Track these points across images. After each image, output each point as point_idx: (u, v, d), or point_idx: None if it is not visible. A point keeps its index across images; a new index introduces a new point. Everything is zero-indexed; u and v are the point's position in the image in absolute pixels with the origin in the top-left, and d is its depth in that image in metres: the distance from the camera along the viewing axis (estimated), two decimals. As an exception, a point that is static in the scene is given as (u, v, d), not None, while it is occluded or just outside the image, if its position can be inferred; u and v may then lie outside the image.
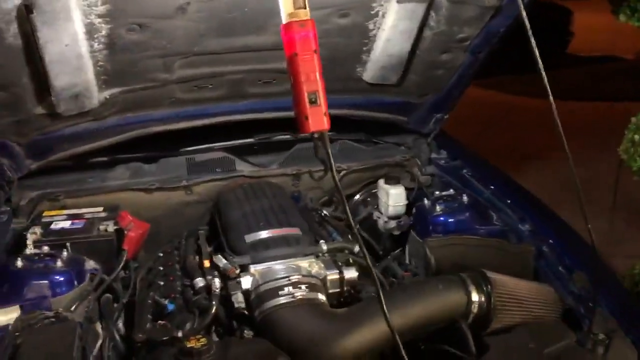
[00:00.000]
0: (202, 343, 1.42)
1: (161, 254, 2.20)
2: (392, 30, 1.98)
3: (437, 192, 2.25)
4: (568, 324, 1.66)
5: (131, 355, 1.77)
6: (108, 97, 2.01)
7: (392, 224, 2.35)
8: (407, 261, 2.16)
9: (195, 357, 1.40)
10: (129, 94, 2.05)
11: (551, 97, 1.33)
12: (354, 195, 2.56)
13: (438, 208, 2.12)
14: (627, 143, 2.65)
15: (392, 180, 2.37)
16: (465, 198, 2.15)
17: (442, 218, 2.11)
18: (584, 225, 1.41)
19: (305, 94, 1.15)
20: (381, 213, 2.42)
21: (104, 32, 1.71)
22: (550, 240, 1.95)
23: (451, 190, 2.25)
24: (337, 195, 1.26)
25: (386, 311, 1.23)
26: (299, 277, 1.66)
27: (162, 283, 1.96)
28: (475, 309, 1.62)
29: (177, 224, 2.30)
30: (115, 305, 1.92)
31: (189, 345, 1.42)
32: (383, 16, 1.93)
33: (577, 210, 1.93)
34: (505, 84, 8.15)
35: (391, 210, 2.34)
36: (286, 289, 1.62)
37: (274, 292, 1.62)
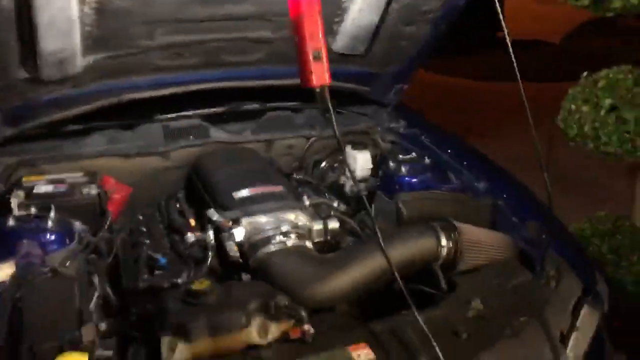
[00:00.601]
0: (206, 285, 1.55)
1: (141, 217, 2.29)
2: (363, 2, 2.13)
3: (400, 156, 2.44)
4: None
5: (124, 309, 1.86)
6: (91, 62, 2.06)
7: (359, 186, 2.52)
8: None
9: (201, 298, 1.52)
10: (110, 60, 2.11)
11: (520, 81, 1.51)
12: (322, 161, 2.71)
13: (403, 169, 2.32)
14: (565, 112, 2.93)
15: (358, 146, 2.54)
16: (427, 160, 2.35)
17: (407, 178, 2.31)
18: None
19: (310, 51, 1.29)
20: (348, 177, 2.59)
21: None
22: (505, 195, 2.18)
23: (413, 154, 2.44)
24: (337, 141, 1.39)
25: (384, 249, 1.39)
26: (288, 227, 1.81)
27: (147, 242, 2.05)
28: (444, 252, 1.82)
29: (154, 189, 2.37)
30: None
31: (194, 288, 1.54)
32: (357, -12, 2.08)
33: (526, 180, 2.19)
34: (440, 66, 8.50)
35: (358, 174, 2.51)
36: (277, 237, 1.76)
37: (266, 241, 1.76)
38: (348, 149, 2.57)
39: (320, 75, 1.32)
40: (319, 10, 1.32)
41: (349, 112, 2.84)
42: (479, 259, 1.86)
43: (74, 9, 1.78)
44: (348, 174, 2.57)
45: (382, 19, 2.24)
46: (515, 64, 1.58)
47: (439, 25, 2.34)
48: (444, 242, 1.82)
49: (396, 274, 1.46)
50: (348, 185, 2.57)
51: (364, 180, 2.53)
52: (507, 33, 1.41)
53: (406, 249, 1.77)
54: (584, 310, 1.63)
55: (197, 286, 1.54)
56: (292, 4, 1.30)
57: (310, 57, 1.30)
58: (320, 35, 1.31)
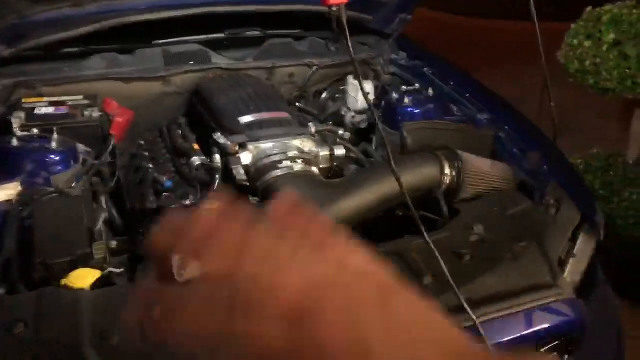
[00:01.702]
0: (216, 205, 1.56)
1: (142, 142, 2.28)
2: None
3: (403, 87, 2.43)
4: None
5: (128, 231, 1.89)
6: (91, -20, 2.00)
7: (359, 118, 2.52)
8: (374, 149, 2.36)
9: (211, 217, 1.54)
10: (110, -21, 2.05)
11: (536, 23, 1.49)
12: (323, 92, 2.69)
13: (406, 100, 2.31)
14: (566, 47, 2.92)
15: (362, 76, 2.52)
16: (430, 91, 2.35)
17: (409, 109, 2.30)
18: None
19: (328, -32, 1.26)
20: (349, 109, 2.58)
21: None
22: (506, 127, 2.20)
23: (416, 85, 2.43)
24: (353, 67, 1.38)
25: (395, 172, 1.41)
26: (296, 152, 1.82)
27: (151, 166, 2.06)
28: (447, 180, 1.85)
29: (155, 115, 2.35)
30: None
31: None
32: None
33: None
34: (437, 3, 8.33)
35: (360, 105, 2.50)
36: (284, 162, 1.78)
37: (273, 166, 1.77)
38: (350, 78, 2.55)
39: (337, -7, 1.29)
40: None
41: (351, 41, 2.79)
42: (481, 188, 1.90)
43: None
44: (349, 104, 2.57)
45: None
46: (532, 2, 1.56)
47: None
48: (447, 170, 1.84)
49: (407, 196, 1.48)
50: (349, 117, 2.56)
51: (365, 111, 2.52)
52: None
53: (410, 176, 1.80)
54: (582, 237, 1.69)
55: (206, 205, 1.55)
56: None
57: (328, -26, 1.27)
58: (339, -50, 1.28)
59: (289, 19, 2.66)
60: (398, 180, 1.52)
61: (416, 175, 1.81)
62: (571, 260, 1.65)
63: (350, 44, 1.36)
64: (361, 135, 2.53)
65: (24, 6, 2.03)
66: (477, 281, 1.50)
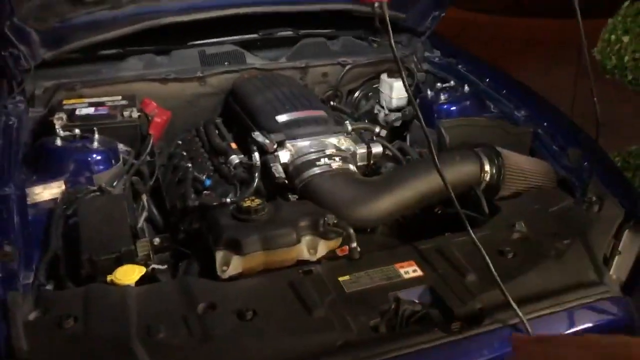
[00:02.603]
0: (257, 202, 1.58)
1: (180, 142, 2.31)
2: None
3: (438, 84, 2.41)
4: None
5: (168, 229, 1.91)
6: (130, -18, 2.04)
7: (393, 116, 2.52)
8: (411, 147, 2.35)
9: (253, 214, 1.55)
10: (148, -19, 2.08)
11: (578, 17, 1.47)
12: (356, 90, 2.69)
13: (442, 97, 2.30)
14: (603, 43, 2.86)
15: (394, 74, 2.52)
16: (466, 88, 2.32)
17: (445, 106, 2.29)
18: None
19: (371, -35, 1.26)
20: (382, 107, 2.57)
21: None
22: (545, 124, 2.16)
23: (451, 82, 2.42)
24: (396, 64, 1.38)
25: (439, 166, 1.40)
26: (333, 150, 1.82)
27: (190, 165, 2.08)
28: (487, 177, 1.83)
29: (191, 115, 2.38)
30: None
31: (246, 205, 1.57)
32: None
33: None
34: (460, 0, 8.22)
35: (394, 103, 2.50)
36: (322, 160, 1.78)
37: (312, 163, 1.78)
38: (384, 77, 2.55)
39: (380, -11, 1.29)
40: None
41: (383, 40, 2.79)
42: (521, 186, 1.88)
43: None
44: (383, 102, 2.57)
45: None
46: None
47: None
48: (487, 167, 1.83)
49: (451, 192, 1.47)
50: (382, 115, 2.56)
51: (399, 109, 2.52)
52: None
53: (450, 173, 1.78)
54: (627, 234, 1.65)
55: (248, 203, 1.57)
56: None
57: (371, -28, 1.26)
58: (382, -53, 1.28)
59: (322, 18, 2.67)
60: (441, 175, 1.51)
61: (456, 172, 1.80)
62: (616, 258, 1.61)
63: (392, 42, 1.36)
64: (395, 133, 2.52)
65: (65, 9, 2.07)
66: (521, 279, 1.48)
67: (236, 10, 2.36)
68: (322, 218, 1.54)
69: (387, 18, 1.35)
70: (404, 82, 1.49)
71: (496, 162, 1.84)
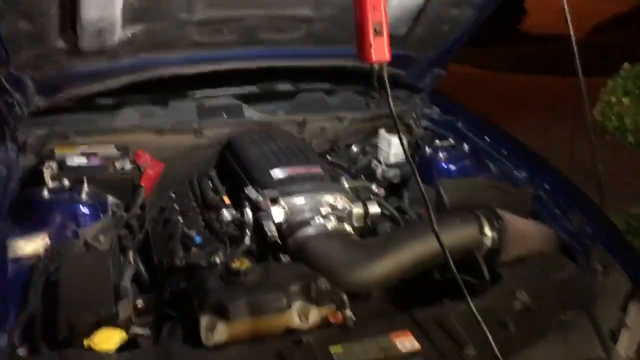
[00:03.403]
0: (246, 264, 1.51)
1: (173, 194, 2.26)
2: (410, -18, 2.06)
3: (437, 141, 2.38)
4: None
5: (154, 287, 1.83)
6: (129, 35, 2.02)
7: (391, 172, 2.47)
8: (408, 206, 2.30)
9: (241, 277, 1.48)
10: (148, 33, 2.06)
11: (580, 77, 1.45)
12: (354, 144, 2.66)
13: (441, 155, 2.26)
14: (603, 104, 2.86)
15: (393, 130, 2.48)
16: (466, 147, 2.29)
17: (445, 165, 2.25)
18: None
19: (371, 24, 1.24)
20: (379, 162, 2.53)
21: None
22: (546, 186, 2.12)
23: (451, 140, 2.38)
24: (394, 124, 1.36)
25: (437, 231, 1.34)
26: (329, 209, 1.76)
27: (181, 219, 2.02)
28: (488, 242, 1.77)
29: (187, 167, 2.34)
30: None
31: (234, 266, 1.50)
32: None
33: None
34: (460, 56, 8.32)
35: (392, 159, 2.46)
36: (317, 220, 1.72)
37: (306, 223, 1.72)
38: (382, 132, 2.52)
39: (380, 50, 1.26)
40: (382, -19, 1.26)
41: (381, 95, 2.78)
42: (522, 250, 1.81)
43: (119, -22, 1.73)
44: (380, 158, 2.53)
45: (427, 1, 2.17)
46: (577, 61, 1.52)
47: (484, 9, 2.27)
48: (487, 231, 1.77)
49: (449, 258, 1.41)
50: (380, 170, 2.52)
51: (397, 165, 2.47)
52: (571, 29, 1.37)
53: (449, 237, 1.72)
54: (634, 307, 1.58)
55: (236, 265, 1.50)
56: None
57: (371, 31, 1.24)
58: (383, 8, 1.25)
59: (321, 72, 2.66)
60: (439, 240, 1.45)
61: (455, 235, 1.74)
62: (623, 332, 1.54)
63: (391, 101, 1.32)
64: (393, 190, 2.47)
65: (63, 59, 2.05)
66: (523, 353, 1.41)
67: (235, 64, 2.34)
68: (314, 283, 1.47)
69: (386, 78, 1.32)
70: (401, 142, 1.45)
71: (497, 225, 1.78)
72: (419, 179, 1.45)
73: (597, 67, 3.23)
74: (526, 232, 1.84)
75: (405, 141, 2.41)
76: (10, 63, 1.93)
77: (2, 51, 1.86)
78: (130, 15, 1.93)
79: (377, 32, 1.24)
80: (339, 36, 2.37)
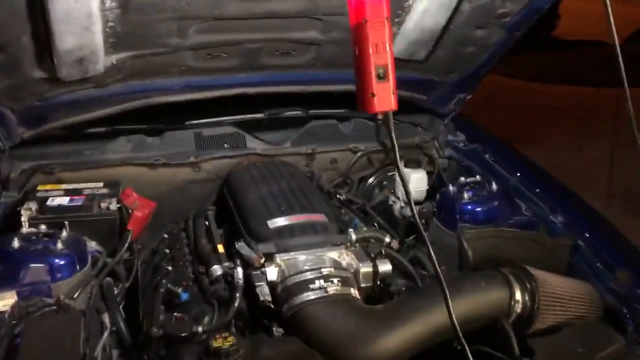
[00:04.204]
0: (230, 343, 1.28)
1: (166, 235, 2.05)
2: (430, 1, 1.82)
3: (462, 179, 2.12)
4: (610, 325, 1.57)
5: (138, 348, 1.63)
6: (114, 62, 1.82)
7: (409, 209, 2.22)
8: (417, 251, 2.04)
9: (223, 358, 1.25)
10: (136, 59, 1.86)
11: (626, 86, 1.19)
12: (369, 177, 2.42)
13: (466, 196, 1.99)
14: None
15: (412, 164, 2.24)
16: (494, 186, 2.02)
17: (470, 207, 1.97)
18: None
19: (373, 68, 1.00)
20: (398, 198, 2.29)
21: None
22: (586, 234, 1.84)
23: (477, 177, 2.12)
24: (404, 187, 1.15)
25: (451, 309, 1.10)
26: (330, 269, 1.53)
27: (170, 268, 1.81)
28: (518, 308, 1.52)
29: (182, 203, 2.14)
30: (116, 290, 1.76)
31: (215, 345, 1.27)
32: (423, -15, 1.77)
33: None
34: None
35: (413, 195, 2.21)
36: (317, 282, 1.48)
37: (304, 286, 1.48)
38: (400, 165, 2.26)
39: (384, 99, 1.02)
40: (387, 15, 1.02)
41: (401, 122, 2.54)
42: (559, 317, 1.55)
43: (94, 3, 1.53)
44: (399, 194, 2.28)
45: (449, 21, 1.92)
46: (622, 71, 1.26)
47: (514, 30, 2.01)
48: (518, 295, 1.51)
49: (462, 340, 1.16)
50: (397, 207, 2.27)
51: (415, 203, 2.22)
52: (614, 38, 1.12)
53: (472, 303, 1.48)
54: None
55: (218, 343, 1.27)
56: (354, 7, 1.01)
57: (373, 76, 1.00)
58: (388, 48, 1.01)
59: (332, 97, 2.43)
60: (450, 313, 1.20)
61: (480, 301, 1.49)
62: None
63: (398, 156, 1.10)
64: (412, 229, 2.22)
65: (45, 89, 1.86)
66: None
67: (237, 91, 2.13)
68: (309, 366, 1.23)
69: (392, 129, 1.08)
70: (408, 197, 1.21)
71: (529, 287, 1.53)
72: (428, 242, 1.21)
73: (635, 77, 2.91)
74: (564, 294, 1.57)
75: (422, 175, 2.18)
76: (-18, 95, 1.75)
77: (-28, 83, 1.68)
78: (115, 42, 1.73)
79: (381, 77, 1.00)
80: (348, 60, 2.13)
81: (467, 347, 1.12)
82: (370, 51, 1.00)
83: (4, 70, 1.69)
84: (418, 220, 1.18)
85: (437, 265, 1.11)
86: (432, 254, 1.12)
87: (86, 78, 1.84)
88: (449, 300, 1.10)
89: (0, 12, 1.48)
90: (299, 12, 1.79)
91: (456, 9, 1.88)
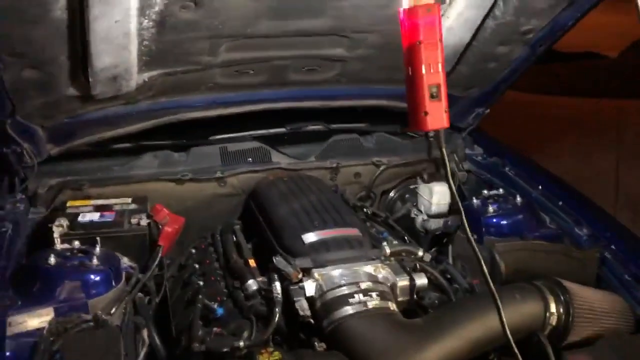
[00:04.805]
0: (276, 358, 1.29)
1: (193, 250, 2.06)
2: (456, 19, 1.85)
3: (485, 191, 2.14)
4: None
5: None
6: (146, 79, 1.85)
7: (432, 223, 2.25)
8: (451, 262, 2.06)
9: (270, 374, 1.27)
10: (167, 77, 1.89)
11: None
12: (390, 191, 2.44)
13: (490, 209, 2.01)
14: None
15: (435, 177, 2.26)
16: (518, 199, 2.05)
17: (495, 220, 2.00)
18: None
19: (426, 87, 1.02)
20: (420, 211, 2.31)
21: (156, 9, 1.54)
22: (612, 246, 1.87)
23: (500, 190, 2.15)
24: (454, 205, 1.18)
25: (503, 316, 1.11)
26: (368, 284, 1.54)
27: (201, 283, 1.82)
28: (553, 320, 1.53)
29: (208, 218, 2.15)
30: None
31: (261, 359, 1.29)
32: (450, 3, 1.80)
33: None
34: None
35: (434, 209, 2.24)
36: (356, 296, 1.49)
37: (343, 300, 1.49)
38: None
39: (437, 117, 1.05)
40: (440, 37, 1.04)
41: (420, 136, 2.56)
42: (593, 329, 1.56)
43: (133, 22, 1.55)
44: (421, 207, 2.30)
45: (474, 37, 1.96)
46: None
47: (537, 47, 2.04)
48: (552, 307, 1.53)
49: (514, 347, 1.18)
50: (419, 220, 2.30)
51: (438, 216, 2.24)
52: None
53: (509, 315, 1.48)
54: None
55: (264, 358, 1.29)
56: (408, 29, 1.04)
57: (426, 95, 1.03)
58: (440, 69, 1.04)
59: (354, 112, 2.46)
60: (502, 323, 1.22)
61: (516, 313, 1.50)
62: None
63: (449, 174, 1.11)
64: (434, 242, 2.24)
65: (75, 106, 1.88)
66: None
67: (263, 107, 2.16)
68: (355, 381, 1.24)
69: (443, 146, 1.10)
70: (459, 209, 1.23)
71: (563, 300, 1.54)
72: (475, 246, 1.23)
73: (632, 88, 2.91)
74: (597, 306, 1.59)
75: (444, 187, 2.20)
76: (16, 113, 1.77)
77: (7, 101, 1.69)
78: (148, 60, 1.76)
79: (434, 97, 1.02)
80: (372, 76, 2.18)
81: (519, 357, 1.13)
82: (424, 71, 1.03)
83: (38, 88, 1.71)
84: (460, 205, 1.19)
85: (487, 276, 1.13)
86: (482, 262, 1.14)
87: (118, 95, 1.86)
88: (502, 311, 1.11)
89: (41, 32, 1.51)
90: (328, 30, 1.82)
91: (480, 26, 1.92)
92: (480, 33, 1.96)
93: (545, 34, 1.97)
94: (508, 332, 1.11)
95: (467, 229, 1.19)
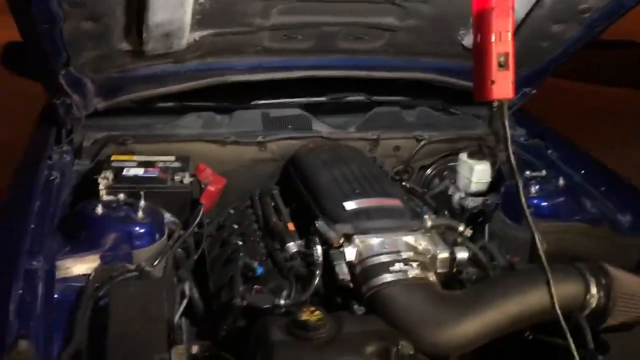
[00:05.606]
0: (317, 317, 1.31)
1: (232, 211, 2.09)
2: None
3: (528, 172, 2.12)
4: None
5: (211, 318, 1.68)
6: (197, 39, 1.86)
7: (470, 201, 2.23)
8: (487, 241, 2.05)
9: (311, 332, 1.29)
10: (217, 37, 1.89)
11: None
12: (429, 166, 2.43)
13: (533, 190, 1.99)
14: None
15: (476, 155, 2.25)
16: (561, 181, 2.02)
17: (536, 201, 1.98)
18: None
19: (495, 56, 1.01)
20: (458, 189, 2.30)
21: None
22: (656, 235, 1.84)
23: (544, 172, 2.12)
24: (512, 178, 1.16)
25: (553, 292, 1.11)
26: (410, 253, 1.55)
27: (240, 243, 1.85)
28: (593, 302, 1.51)
29: (247, 181, 2.17)
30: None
31: (303, 318, 1.31)
32: (509, -24, 1.76)
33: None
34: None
35: (473, 187, 2.22)
36: (397, 265, 1.50)
37: (384, 268, 1.50)
38: (463, 156, 2.28)
39: (503, 86, 1.04)
40: (513, 4, 1.03)
41: (463, 113, 2.54)
42: (632, 313, 1.55)
43: (191, -21, 1.55)
44: (459, 184, 2.29)
45: (529, 14, 1.92)
46: None
47: (594, 27, 2.00)
48: (593, 289, 1.51)
49: (562, 322, 1.18)
50: (457, 197, 2.28)
51: (477, 194, 2.23)
52: None
53: (549, 295, 1.48)
54: None
55: (306, 316, 1.30)
56: (479, -6, 1.02)
57: (494, 64, 1.01)
58: (510, 37, 1.02)
59: (397, 84, 2.44)
60: (552, 297, 1.22)
61: (556, 292, 1.49)
62: None
63: (509, 143, 1.10)
64: (470, 219, 2.23)
65: (126, 61, 1.90)
66: None
67: (305, 73, 2.15)
68: (395, 346, 1.26)
69: (506, 117, 1.09)
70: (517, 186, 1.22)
71: (604, 282, 1.53)
72: (532, 223, 1.22)
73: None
74: (637, 291, 1.57)
75: (486, 166, 2.18)
76: (70, 64, 1.79)
77: (63, 52, 1.72)
78: (201, 19, 1.76)
79: (502, 66, 1.01)
80: (420, 48, 2.15)
81: (569, 334, 1.13)
82: (493, 39, 1.01)
83: (94, 40, 1.73)
84: (515, 167, 1.18)
85: (541, 251, 1.12)
86: (537, 238, 1.13)
87: (168, 53, 1.87)
88: (552, 286, 1.12)
89: None
90: None
91: (537, 2, 1.88)
92: (535, 9, 1.92)
93: (602, 14, 1.92)
94: (558, 309, 1.10)
95: (525, 205, 1.18)
